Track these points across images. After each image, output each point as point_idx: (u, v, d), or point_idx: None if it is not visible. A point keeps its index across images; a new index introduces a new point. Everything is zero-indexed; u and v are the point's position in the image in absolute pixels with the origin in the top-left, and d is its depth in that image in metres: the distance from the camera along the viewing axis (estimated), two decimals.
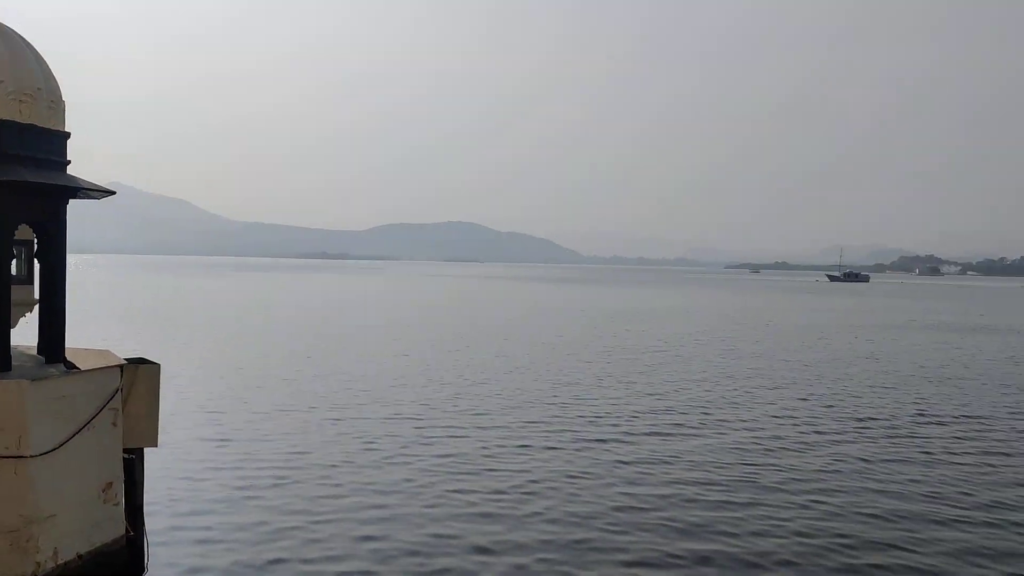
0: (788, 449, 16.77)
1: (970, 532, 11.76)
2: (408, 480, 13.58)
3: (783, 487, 13.89)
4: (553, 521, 11.78)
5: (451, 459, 15.10)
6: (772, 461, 15.68)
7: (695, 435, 17.88)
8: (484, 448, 16.11)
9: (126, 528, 8.60)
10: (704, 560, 10.47)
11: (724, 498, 13.14)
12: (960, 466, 15.66)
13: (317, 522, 11.43)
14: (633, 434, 17.77)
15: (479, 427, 18.08)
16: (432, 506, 12.24)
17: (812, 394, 24.06)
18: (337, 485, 13.23)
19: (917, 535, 11.54)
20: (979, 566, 10.49)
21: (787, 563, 10.45)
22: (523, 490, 13.24)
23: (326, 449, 15.66)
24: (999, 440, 18.19)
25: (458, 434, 17.28)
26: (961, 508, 12.92)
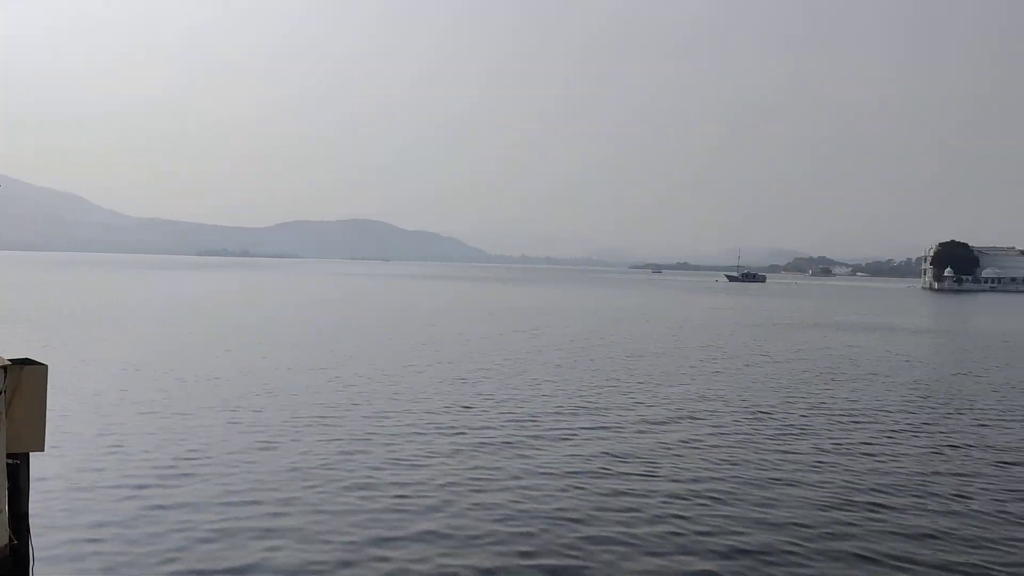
0: (686, 444, 17.27)
1: (854, 525, 12.38)
2: (312, 487, 13.36)
3: (678, 479, 14.34)
4: (455, 516, 11.86)
5: (353, 461, 14.98)
6: (671, 456, 16.14)
7: (599, 434, 18.22)
8: (390, 448, 16.04)
9: (9, 537, 8.24)
10: (598, 553, 10.69)
11: (633, 494, 13.45)
12: (850, 457, 16.46)
13: (214, 531, 11.14)
14: (539, 432, 18.00)
15: (383, 428, 17.98)
16: (335, 512, 12.10)
17: (710, 391, 24.80)
18: (235, 491, 12.91)
19: (808, 526, 12.09)
20: (864, 555, 11.04)
21: (680, 553, 10.77)
22: (426, 491, 13.26)
23: (225, 454, 15.27)
24: (883, 433, 19.15)
25: (360, 436, 17.14)
26: (845, 497, 13.61)
